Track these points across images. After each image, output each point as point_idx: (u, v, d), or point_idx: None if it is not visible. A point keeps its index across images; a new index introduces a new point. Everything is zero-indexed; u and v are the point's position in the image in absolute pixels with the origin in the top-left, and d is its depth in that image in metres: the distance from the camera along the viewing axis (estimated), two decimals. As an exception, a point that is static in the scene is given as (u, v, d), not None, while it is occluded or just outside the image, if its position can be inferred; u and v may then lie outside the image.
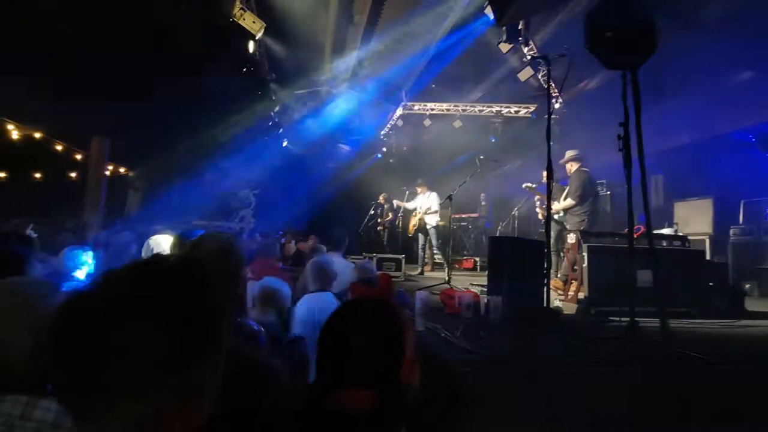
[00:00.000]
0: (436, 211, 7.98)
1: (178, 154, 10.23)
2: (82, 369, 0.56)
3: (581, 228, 5.43)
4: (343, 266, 4.22)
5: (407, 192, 9.19)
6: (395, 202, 9.36)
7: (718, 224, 6.69)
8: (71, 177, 11.34)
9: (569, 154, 5.94)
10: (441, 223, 8.16)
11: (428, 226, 8.07)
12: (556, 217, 5.86)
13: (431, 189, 8.26)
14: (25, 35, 6.15)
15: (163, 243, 2.79)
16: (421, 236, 8.30)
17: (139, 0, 6.15)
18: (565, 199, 5.79)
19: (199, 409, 0.63)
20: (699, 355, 2.52)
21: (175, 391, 0.59)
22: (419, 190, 8.35)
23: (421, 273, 7.95)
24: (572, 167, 5.88)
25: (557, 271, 5.83)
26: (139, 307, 0.59)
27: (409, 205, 8.55)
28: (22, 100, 7.62)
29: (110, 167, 11.36)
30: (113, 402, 0.56)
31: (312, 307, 2.82)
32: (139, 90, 7.29)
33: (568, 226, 5.79)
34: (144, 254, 2.73)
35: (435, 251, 8.45)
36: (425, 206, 8.11)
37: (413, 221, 8.45)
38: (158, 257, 0.68)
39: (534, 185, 6.43)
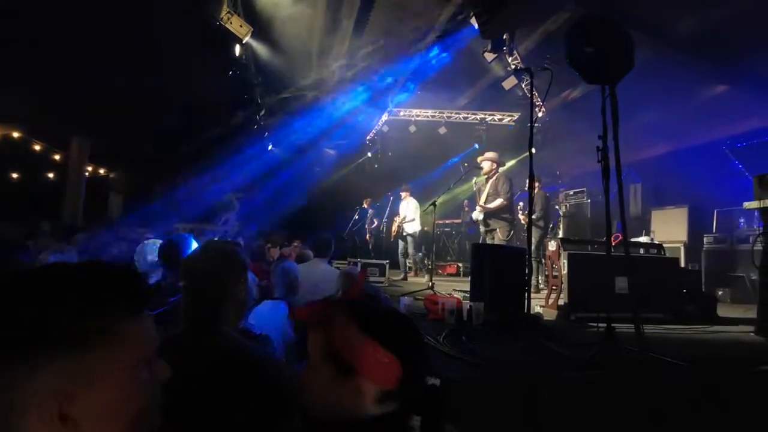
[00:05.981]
0: (413, 220, 8.03)
1: (161, 156, 10.11)
2: None
3: (509, 230, 5.60)
4: (329, 273, 4.24)
5: (392, 197, 9.25)
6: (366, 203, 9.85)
7: (693, 232, 6.87)
8: (50, 178, 11.10)
9: (491, 155, 6.05)
10: (423, 230, 8.25)
11: (405, 233, 8.13)
12: (476, 218, 6.02)
13: (412, 196, 8.33)
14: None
15: (156, 248, 2.78)
16: (401, 242, 8.33)
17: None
18: (493, 200, 5.80)
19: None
20: (672, 360, 2.62)
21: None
22: (403, 195, 8.40)
23: (405, 278, 7.91)
24: (495, 168, 5.97)
25: (537, 278, 5.93)
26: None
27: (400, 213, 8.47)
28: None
29: (90, 168, 11.15)
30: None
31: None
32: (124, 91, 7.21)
33: (482, 228, 5.91)
34: (137, 259, 2.71)
35: (409, 260, 8.36)
36: (403, 214, 8.16)
37: (393, 227, 8.52)
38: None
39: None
